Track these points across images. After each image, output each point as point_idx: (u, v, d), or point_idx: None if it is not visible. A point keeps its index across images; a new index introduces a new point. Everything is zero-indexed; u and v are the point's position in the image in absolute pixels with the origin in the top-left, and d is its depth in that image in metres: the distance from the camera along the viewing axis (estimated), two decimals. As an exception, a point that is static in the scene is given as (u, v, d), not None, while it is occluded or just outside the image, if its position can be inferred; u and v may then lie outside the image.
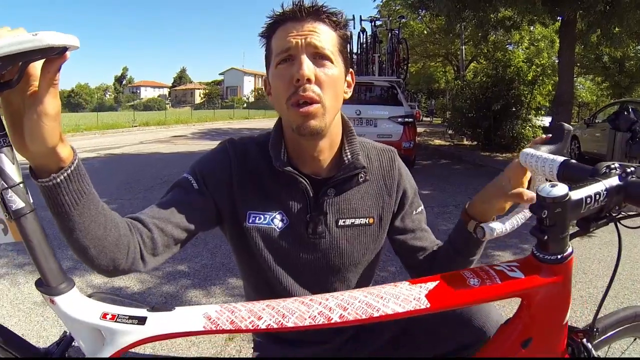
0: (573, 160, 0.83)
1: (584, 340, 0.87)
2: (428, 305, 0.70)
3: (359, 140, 1.18)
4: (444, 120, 17.22)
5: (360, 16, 13.20)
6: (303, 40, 1.00)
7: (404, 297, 0.71)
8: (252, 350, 1.36)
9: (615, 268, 0.84)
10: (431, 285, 0.73)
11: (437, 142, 14.96)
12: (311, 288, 1.18)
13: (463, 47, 18.35)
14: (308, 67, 0.98)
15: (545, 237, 0.72)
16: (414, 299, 0.71)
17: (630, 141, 6.37)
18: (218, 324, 0.68)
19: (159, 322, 0.69)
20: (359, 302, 0.70)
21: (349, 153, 1.14)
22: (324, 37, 1.02)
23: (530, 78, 11.98)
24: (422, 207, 1.27)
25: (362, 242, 1.19)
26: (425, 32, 20.61)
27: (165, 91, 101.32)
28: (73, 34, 0.63)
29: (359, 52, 13.18)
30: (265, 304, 0.70)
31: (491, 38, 15.38)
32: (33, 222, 0.71)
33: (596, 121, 11.69)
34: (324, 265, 1.17)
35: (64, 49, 0.64)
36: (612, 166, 0.76)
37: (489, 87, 11.69)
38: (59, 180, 0.74)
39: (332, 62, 1.03)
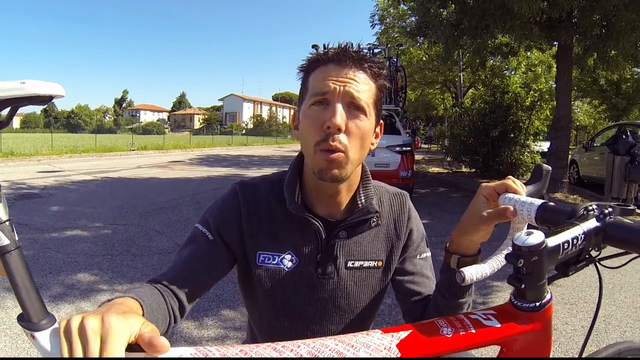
0: (551, 203, 0.82)
1: None
2: (399, 355, 0.69)
3: (373, 184, 1.19)
4: (442, 147, 17.29)
5: (359, 44, 13.26)
6: (342, 88, 1.00)
7: (375, 346, 0.69)
8: None
9: (597, 309, 0.85)
10: (403, 334, 0.72)
11: (436, 169, 14.98)
12: (315, 327, 1.19)
13: (461, 73, 18.51)
14: (341, 116, 0.98)
15: (523, 286, 0.71)
16: (385, 349, 0.69)
17: (629, 164, 6.38)
18: None
19: None
20: (329, 350, 0.69)
21: (363, 197, 1.14)
22: (363, 87, 1.02)
23: (528, 104, 12.06)
24: (429, 254, 1.26)
25: (369, 285, 1.19)
26: (424, 58, 20.81)
27: (165, 115, 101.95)
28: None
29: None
30: (238, 349, 0.68)
31: (489, 64, 15.53)
32: (17, 259, 0.73)
33: (594, 145, 11.83)
34: (330, 306, 1.18)
35: (50, 97, 0.69)
36: (590, 208, 0.76)
37: (487, 114, 11.75)
38: None
39: (365, 114, 1.03)
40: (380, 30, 21.21)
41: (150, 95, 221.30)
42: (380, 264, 1.19)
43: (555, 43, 9.62)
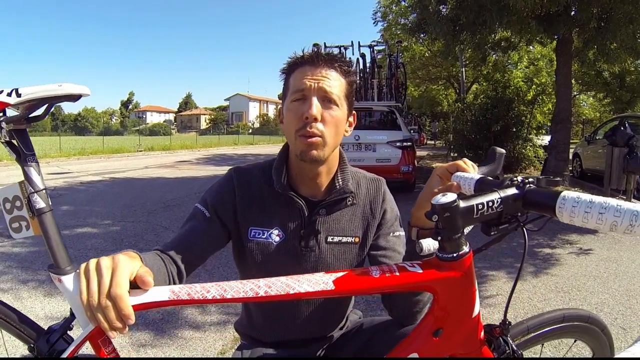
0: (489, 178, 0.95)
1: (500, 333, 0.98)
2: (333, 288, 0.85)
3: (351, 169, 1.36)
4: (446, 142, 17.32)
5: (359, 42, 13.35)
6: (316, 84, 1.17)
7: (315, 281, 0.86)
8: (236, 349, 1.51)
9: (520, 267, 0.95)
10: (340, 274, 0.88)
11: (439, 165, 15.04)
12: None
13: (463, 69, 18.49)
14: (317, 107, 1.16)
15: (439, 238, 0.84)
16: (323, 283, 0.85)
17: (627, 156, 6.43)
18: (179, 295, 0.85)
19: (135, 298, 0.86)
20: (280, 282, 0.86)
21: (340, 180, 1.31)
22: (334, 83, 1.20)
23: (529, 98, 12.09)
24: (402, 233, 1.39)
25: (347, 259, 1.34)
26: (427, 54, 20.81)
27: (171, 116, 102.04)
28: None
29: (358, 77, 13.15)
30: (214, 283, 0.87)
31: (491, 59, 15.50)
32: (50, 219, 0.95)
33: (597, 138, 11.73)
34: None
35: (79, 96, 0.90)
36: (514, 179, 0.87)
37: (489, 109, 11.78)
38: None
39: (337, 105, 1.20)
40: (383, 27, 21.24)
41: (156, 97, 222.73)
42: (357, 240, 1.34)
43: (555, 37, 9.62)
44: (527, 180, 0.86)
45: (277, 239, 1.29)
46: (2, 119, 0.92)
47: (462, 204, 0.81)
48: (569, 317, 1.22)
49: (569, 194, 0.76)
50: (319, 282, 0.86)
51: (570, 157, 11.58)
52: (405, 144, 8.43)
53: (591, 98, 29.64)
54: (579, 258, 4.63)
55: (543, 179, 0.88)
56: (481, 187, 0.92)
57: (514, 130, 11.72)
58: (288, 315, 1.38)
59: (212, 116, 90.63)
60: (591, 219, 0.72)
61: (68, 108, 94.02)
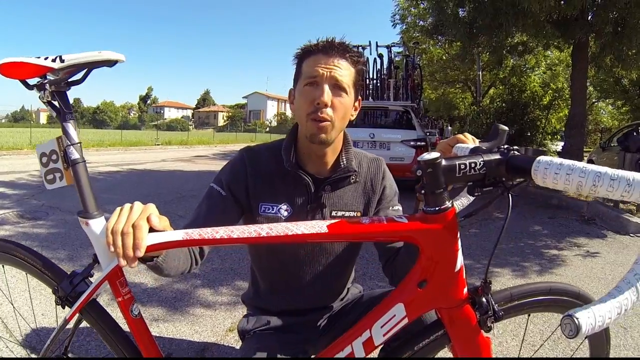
0: (483, 147, 1.02)
1: (482, 292, 1.03)
2: (326, 231, 0.96)
3: (354, 150, 1.48)
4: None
5: (377, 42, 13.32)
6: (328, 73, 1.28)
7: (311, 226, 0.97)
8: (243, 316, 1.64)
9: (502, 228, 0.99)
10: (334, 221, 0.98)
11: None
12: (305, 266, 1.48)
13: (480, 72, 18.41)
14: (327, 94, 1.28)
15: (423, 192, 0.93)
16: (318, 227, 0.96)
17: (639, 162, 6.32)
18: (191, 236, 0.98)
19: (154, 237, 0.99)
20: (281, 226, 0.97)
21: (344, 159, 1.43)
22: (344, 72, 1.31)
23: (545, 102, 12.02)
24: (400, 208, 1.52)
25: None
26: (444, 57, 20.75)
27: (189, 112, 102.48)
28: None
29: (375, 77, 13.16)
30: (223, 227, 1.00)
31: (509, 63, 15.42)
32: (83, 169, 1.10)
33: (612, 144, 11.64)
34: (317, 249, 1.47)
35: (115, 61, 1.03)
36: (501, 147, 0.95)
37: (504, 112, 11.75)
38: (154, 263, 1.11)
39: (346, 92, 1.31)
40: (402, 29, 21.21)
41: (175, 93, 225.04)
42: (359, 214, 1.46)
43: (572, 41, 9.55)
44: (512, 148, 0.94)
45: (286, 213, 1.41)
46: (46, 81, 1.05)
47: (445, 162, 0.89)
48: (556, 290, 1.18)
49: (544, 158, 0.84)
50: (314, 226, 0.96)
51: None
52: (419, 143, 8.45)
53: (610, 106, 29.32)
54: (585, 260, 4.65)
55: (530, 149, 0.97)
56: (472, 153, 0.99)
57: (529, 134, 11.67)
58: (292, 285, 1.51)
59: (230, 113, 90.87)
60: (560, 180, 0.80)
61: (87, 102, 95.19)
